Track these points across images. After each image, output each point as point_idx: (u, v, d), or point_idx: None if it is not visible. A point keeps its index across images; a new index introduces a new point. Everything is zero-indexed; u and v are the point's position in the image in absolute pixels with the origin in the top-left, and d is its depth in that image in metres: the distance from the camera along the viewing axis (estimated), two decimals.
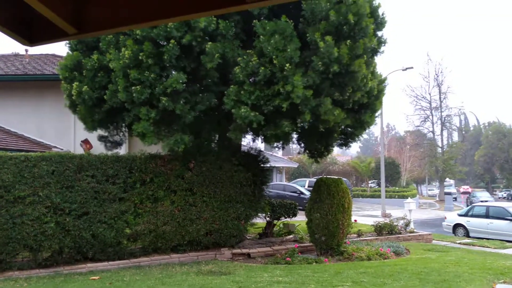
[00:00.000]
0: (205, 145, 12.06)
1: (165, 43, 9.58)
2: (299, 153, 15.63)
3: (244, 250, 11.71)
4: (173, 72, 9.85)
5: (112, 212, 10.50)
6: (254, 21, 9.43)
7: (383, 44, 11.41)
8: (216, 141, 12.73)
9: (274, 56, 9.13)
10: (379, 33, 11.34)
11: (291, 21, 9.33)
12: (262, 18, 9.72)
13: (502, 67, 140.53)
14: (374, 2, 10.81)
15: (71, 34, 1.73)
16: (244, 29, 9.89)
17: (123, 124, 11.67)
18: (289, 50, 9.09)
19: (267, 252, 11.75)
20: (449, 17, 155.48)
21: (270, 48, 9.11)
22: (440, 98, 51.86)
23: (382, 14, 11.17)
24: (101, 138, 12.12)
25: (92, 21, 1.71)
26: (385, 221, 15.88)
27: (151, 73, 9.50)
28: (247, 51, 9.56)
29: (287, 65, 9.09)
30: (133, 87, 9.52)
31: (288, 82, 9.13)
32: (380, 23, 11.12)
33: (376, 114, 11.98)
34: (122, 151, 13.04)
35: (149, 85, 9.55)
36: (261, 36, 9.26)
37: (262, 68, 9.22)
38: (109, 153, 11.46)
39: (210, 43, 9.43)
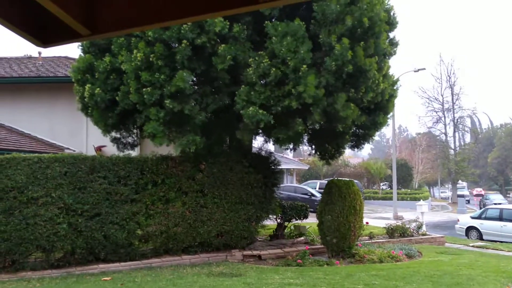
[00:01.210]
0: (216, 146, 12.09)
1: (176, 45, 9.63)
2: (309, 154, 15.55)
3: (255, 252, 11.70)
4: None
5: (123, 213, 10.56)
6: (266, 22, 9.44)
7: (395, 46, 11.37)
8: (227, 143, 12.75)
9: (288, 58, 9.11)
10: (391, 35, 11.31)
11: (303, 22, 9.31)
12: (273, 20, 9.74)
13: None
14: (387, 5, 10.77)
15: (84, 35, 1.73)
16: (256, 30, 9.90)
17: (135, 126, 11.74)
18: (302, 52, 9.07)
19: (278, 254, 11.72)
20: (461, 18, 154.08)
21: (284, 50, 9.11)
22: (452, 99, 51.47)
23: (393, 15, 11.12)
24: (113, 140, 12.20)
25: (105, 22, 1.72)
26: (397, 223, 15.76)
27: (161, 74, 9.56)
28: (259, 52, 9.57)
29: (304, 66, 9.09)
30: (144, 89, 9.58)
31: (300, 83, 9.12)
32: (391, 24, 11.07)
33: (389, 116, 11.91)
34: (134, 152, 13.11)
35: (159, 86, 9.60)
36: (273, 38, 9.26)
37: (274, 69, 9.22)
38: (121, 154, 11.53)
39: (222, 45, 9.45)
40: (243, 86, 9.61)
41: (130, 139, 12.37)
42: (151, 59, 9.47)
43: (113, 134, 11.87)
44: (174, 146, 10.68)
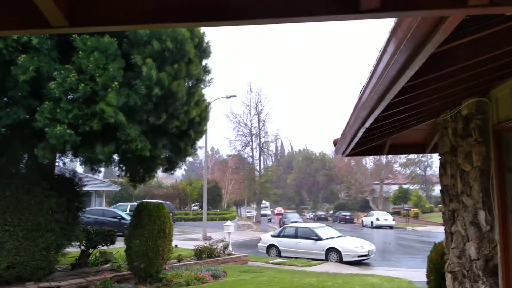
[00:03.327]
0: (11, 165, 10.76)
1: None
2: (119, 176, 14.95)
3: (53, 283, 10.61)
4: None
5: None
6: (74, 35, 8.87)
7: (207, 74, 11.82)
8: (25, 162, 11.45)
9: (97, 75, 8.69)
10: (204, 62, 11.74)
11: (116, 39, 9.02)
12: (84, 34, 9.21)
13: (313, 100, 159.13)
14: (198, 34, 11.12)
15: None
16: (62, 42, 9.21)
17: None
18: (111, 69, 8.75)
19: (80, 284, 10.83)
20: (269, 52, 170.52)
21: (91, 66, 8.66)
22: (259, 125, 55.90)
23: (207, 43, 11.58)
24: None
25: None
26: (205, 244, 16.19)
27: None
28: (66, 66, 8.91)
29: (115, 84, 8.74)
30: None
31: (104, 101, 8.75)
32: (204, 52, 11.50)
33: (198, 143, 12.24)
34: None
35: None
36: (81, 52, 8.75)
37: (82, 85, 8.67)
38: None
39: (23, 55, 8.53)
40: (46, 101, 8.80)
41: None
42: None
43: None
44: None
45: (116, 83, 8.79)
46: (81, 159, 11.57)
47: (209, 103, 12.50)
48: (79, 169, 30.89)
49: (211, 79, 11.95)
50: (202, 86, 11.66)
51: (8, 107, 9.26)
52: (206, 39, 11.58)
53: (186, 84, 10.25)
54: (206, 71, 11.93)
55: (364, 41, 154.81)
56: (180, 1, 1.62)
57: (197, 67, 10.93)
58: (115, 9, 1.62)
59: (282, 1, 1.65)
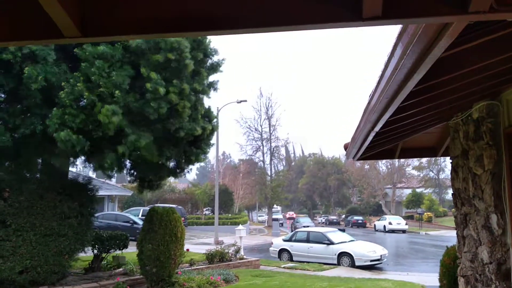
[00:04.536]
0: (25, 171, 10.90)
1: None
2: (130, 182, 15.00)
3: None
4: None
5: None
6: (75, 49, 9.02)
7: (214, 89, 11.75)
8: (39, 167, 11.59)
9: (101, 83, 8.76)
10: (212, 77, 11.75)
11: (120, 45, 9.09)
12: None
13: (324, 104, 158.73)
14: (210, 49, 11.09)
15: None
16: (71, 51, 9.35)
17: None
18: (113, 76, 8.77)
19: None
20: (281, 58, 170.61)
21: (95, 76, 8.75)
22: (270, 130, 55.81)
23: (218, 60, 11.50)
24: None
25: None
26: (217, 248, 16.22)
27: None
28: (74, 73, 9.04)
29: (117, 92, 8.80)
30: None
31: (104, 108, 8.81)
32: (211, 68, 11.45)
33: (208, 148, 12.24)
34: None
35: None
36: (84, 62, 8.87)
37: (87, 93, 8.77)
38: None
39: (28, 67, 8.69)
40: (55, 108, 8.93)
41: None
42: None
43: None
44: None
45: (117, 91, 8.83)
46: (92, 165, 11.68)
47: (217, 116, 12.42)
48: (92, 174, 31.24)
49: (217, 84, 11.86)
50: (207, 97, 11.59)
51: (23, 113, 9.42)
52: (215, 53, 11.45)
53: (190, 98, 10.19)
54: (213, 85, 11.77)
55: (379, 43, 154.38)
56: (189, 10, 1.65)
57: (202, 82, 10.89)
58: (126, 18, 1.65)
59: (285, 9, 1.67)
